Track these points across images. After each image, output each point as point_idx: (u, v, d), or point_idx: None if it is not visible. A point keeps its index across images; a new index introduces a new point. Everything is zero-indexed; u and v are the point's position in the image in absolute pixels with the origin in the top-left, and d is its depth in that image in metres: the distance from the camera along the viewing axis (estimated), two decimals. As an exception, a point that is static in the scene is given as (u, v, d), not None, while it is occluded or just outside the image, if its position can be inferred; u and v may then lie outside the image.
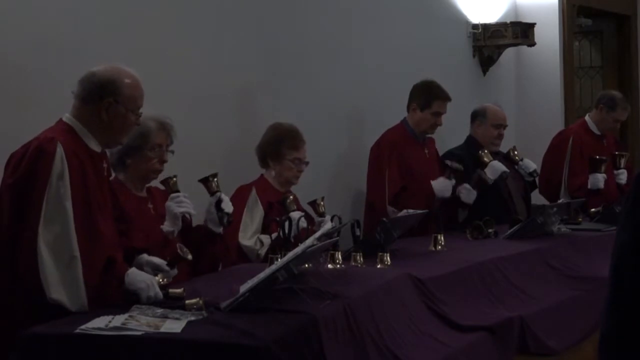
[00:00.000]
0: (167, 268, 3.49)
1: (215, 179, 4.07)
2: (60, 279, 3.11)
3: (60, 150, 3.19)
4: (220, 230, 4.04)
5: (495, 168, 5.72)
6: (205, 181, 4.08)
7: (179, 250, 3.55)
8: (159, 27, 4.78)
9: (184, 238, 3.94)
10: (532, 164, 6.09)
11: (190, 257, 3.61)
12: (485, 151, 5.81)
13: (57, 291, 3.09)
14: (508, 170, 5.77)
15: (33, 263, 3.08)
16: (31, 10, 4.16)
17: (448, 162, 5.53)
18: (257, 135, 4.89)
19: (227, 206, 4.03)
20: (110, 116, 3.36)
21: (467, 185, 5.57)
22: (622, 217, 1.75)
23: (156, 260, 3.51)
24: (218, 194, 4.04)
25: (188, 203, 3.89)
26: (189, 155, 4.35)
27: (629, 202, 1.75)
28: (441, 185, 5.45)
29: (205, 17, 5.07)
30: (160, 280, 3.34)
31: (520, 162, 6.04)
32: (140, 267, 3.43)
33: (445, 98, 5.59)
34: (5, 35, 4.05)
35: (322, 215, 4.63)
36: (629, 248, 1.71)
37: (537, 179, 6.19)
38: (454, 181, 5.48)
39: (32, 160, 3.19)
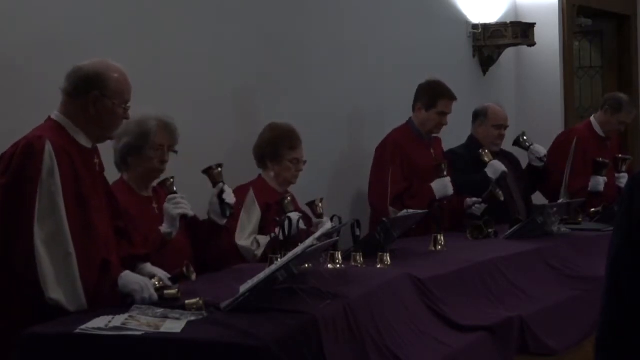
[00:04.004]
0: (169, 283, 3.38)
1: (219, 169, 4.04)
2: (56, 277, 3.09)
3: (48, 147, 3.17)
4: (224, 222, 4.04)
5: (495, 168, 5.73)
6: (209, 171, 4.06)
7: (184, 269, 3.42)
8: (159, 28, 4.78)
9: (191, 235, 3.93)
10: (542, 149, 6.12)
11: (194, 277, 3.45)
12: (486, 151, 5.82)
13: (54, 290, 3.08)
14: (507, 170, 5.78)
15: (31, 262, 3.07)
16: (31, 10, 4.17)
17: (442, 165, 5.50)
18: (257, 135, 4.89)
19: (229, 197, 4.02)
20: (97, 110, 3.34)
21: (478, 204, 5.52)
22: (617, 218, 1.76)
23: (160, 273, 3.42)
24: (220, 184, 4.03)
25: (185, 204, 3.87)
26: (189, 156, 4.35)
27: (624, 203, 1.76)
28: (439, 185, 5.42)
29: (206, 18, 5.07)
30: (156, 282, 3.30)
31: (531, 147, 6.09)
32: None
33: (451, 97, 5.57)
34: (5, 35, 4.06)
35: (320, 216, 4.60)
36: (624, 248, 1.72)
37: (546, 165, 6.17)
38: (449, 177, 5.46)
39: (21, 159, 3.17)
